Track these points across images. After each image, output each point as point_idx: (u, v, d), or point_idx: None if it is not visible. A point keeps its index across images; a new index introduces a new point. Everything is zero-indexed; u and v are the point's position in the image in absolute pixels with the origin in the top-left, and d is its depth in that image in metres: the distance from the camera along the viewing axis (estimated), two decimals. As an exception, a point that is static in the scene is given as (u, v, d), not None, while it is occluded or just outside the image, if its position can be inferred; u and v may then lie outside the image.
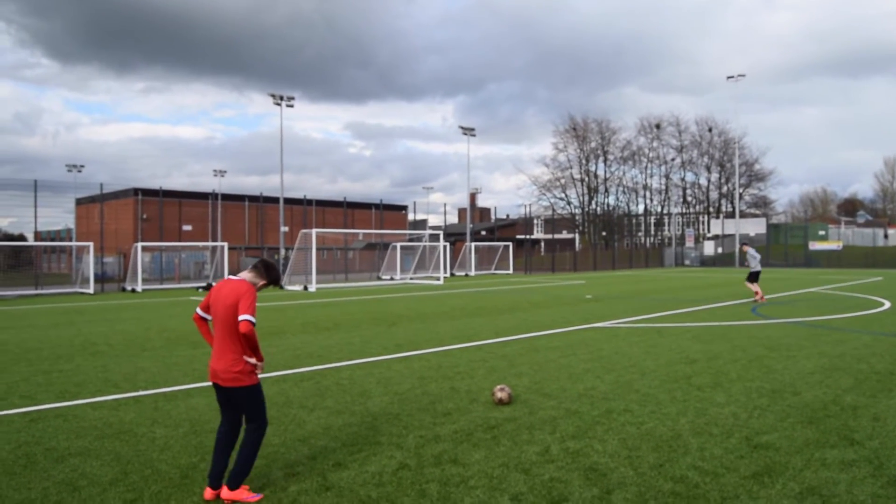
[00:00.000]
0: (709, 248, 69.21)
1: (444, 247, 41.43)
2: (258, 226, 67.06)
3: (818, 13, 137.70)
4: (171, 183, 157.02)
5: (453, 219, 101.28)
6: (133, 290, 31.51)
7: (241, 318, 4.43)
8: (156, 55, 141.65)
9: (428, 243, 45.87)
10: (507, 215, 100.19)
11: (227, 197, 66.68)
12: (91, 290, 31.04)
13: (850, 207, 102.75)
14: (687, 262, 66.58)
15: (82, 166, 58.51)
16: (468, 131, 55.87)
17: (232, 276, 4.71)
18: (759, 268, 20.21)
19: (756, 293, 20.02)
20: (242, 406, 4.66)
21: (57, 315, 19.17)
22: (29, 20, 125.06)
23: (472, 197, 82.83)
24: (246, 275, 4.75)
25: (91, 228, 55.68)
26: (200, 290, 32.06)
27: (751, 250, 20.61)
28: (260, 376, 4.76)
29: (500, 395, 7.00)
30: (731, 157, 79.52)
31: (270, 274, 4.78)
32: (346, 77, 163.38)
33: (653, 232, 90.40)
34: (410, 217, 76.38)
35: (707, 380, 8.12)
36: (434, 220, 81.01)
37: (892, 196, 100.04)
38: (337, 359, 10.05)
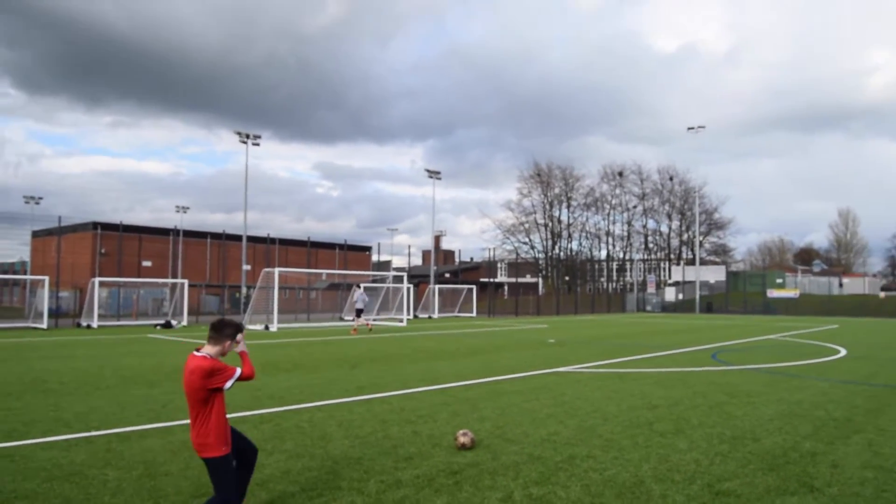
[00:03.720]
0: (670, 294, 70.19)
1: (408, 288, 41.33)
2: (220, 263, 66.26)
3: (777, 72, 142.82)
4: (134, 218, 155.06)
5: (417, 261, 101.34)
6: (88, 326, 30.77)
7: (228, 385, 4.56)
8: (127, 90, 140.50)
9: (392, 285, 45.74)
10: (472, 258, 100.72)
11: (189, 233, 65.90)
12: (45, 325, 30.24)
13: (807, 256, 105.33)
14: (648, 307, 67.31)
15: (40, 198, 57.61)
16: (434, 174, 56.29)
17: (197, 353, 4.63)
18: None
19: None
20: (211, 476, 4.60)
21: (7, 350, 18.59)
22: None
23: (437, 239, 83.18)
24: (209, 349, 4.65)
25: (47, 262, 54.42)
26: (158, 327, 31.43)
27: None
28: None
29: (462, 439, 6.93)
30: (692, 205, 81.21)
31: (226, 331, 4.69)
32: (317, 118, 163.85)
33: (615, 277, 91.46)
34: (375, 258, 76.19)
35: (669, 426, 8.15)
36: (398, 261, 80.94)
37: (845, 246, 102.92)
38: (297, 401, 9.89)
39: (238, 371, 4.60)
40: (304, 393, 10.67)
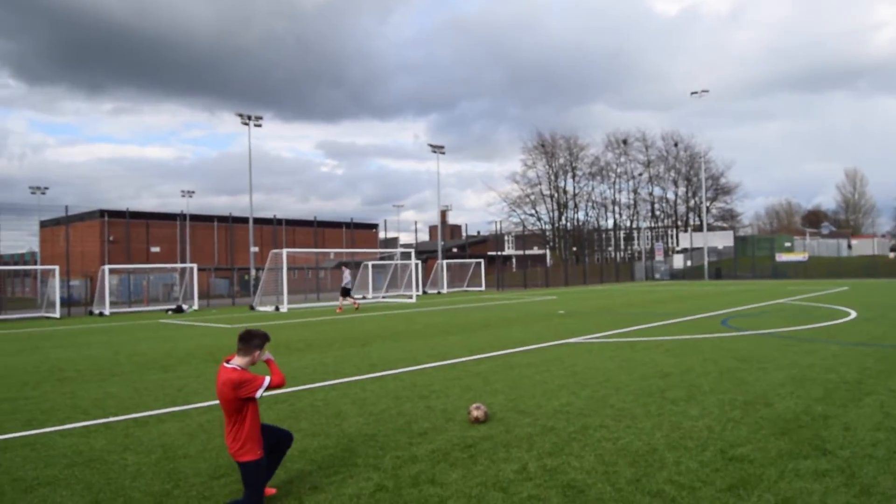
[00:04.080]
0: (678, 262, 70.10)
1: (416, 265, 41.40)
2: (228, 246, 66.39)
3: (780, 31, 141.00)
4: (140, 204, 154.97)
5: (424, 236, 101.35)
6: (101, 314, 30.98)
7: (259, 394, 4.77)
8: (127, 76, 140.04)
9: (399, 261, 45.81)
10: (479, 232, 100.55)
11: (195, 217, 66.01)
12: (57, 315, 30.47)
13: (815, 219, 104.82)
14: (657, 275, 67.30)
15: (46, 188, 57.79)
16: (437, 149, 56.06)
17: (227, 364, 4.85)
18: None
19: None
20: (243, 478, 4.79)
21: (22, 340, 18.77)
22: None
23: (443, 214, 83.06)
24: (238, 361, 4.86)
25: (56, 251, 54.72)
26: (169, 312, 31.63)
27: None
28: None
29: (475, 413, 6.99)
30: (698, 171, 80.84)
31: (254, 342, 4.91)
32: (319, 96, 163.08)
33: (622, 246, 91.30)
34: (381, 235, 76.25)
35: (681, 393, 8.19)
36: (405, 237, 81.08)
37: (854, 207, 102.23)
38: (311, 380, 9.97)
39: (267, 380, 4.84)
40: (318, 372, 10.75)
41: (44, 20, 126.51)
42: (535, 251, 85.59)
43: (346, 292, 29.87)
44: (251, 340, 4.88)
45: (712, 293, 34.12)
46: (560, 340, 14.22)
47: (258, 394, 4.74)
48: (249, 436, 4.77)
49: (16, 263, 65.09)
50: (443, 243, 59.43)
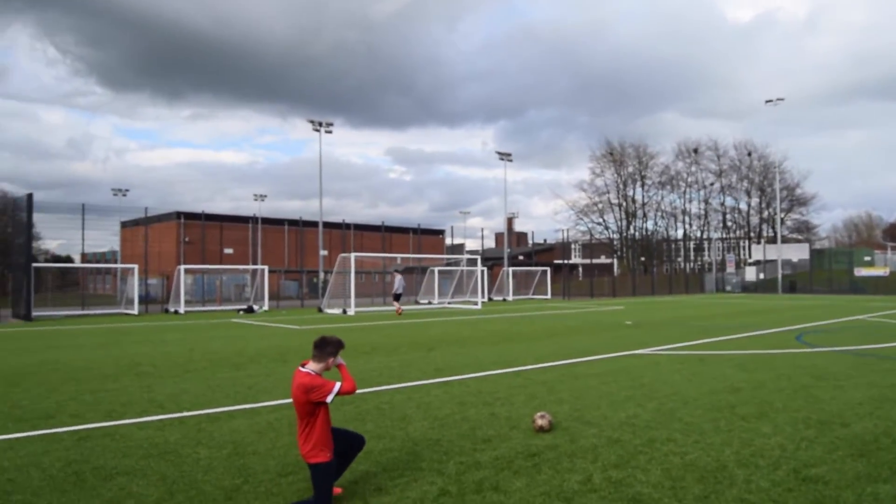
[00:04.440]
0: (750, 274, 68.00)
1: (482, 271, 41.38)
2: (298, 249, 67.74)
3: (861, 36, 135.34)
4: (214, 207, 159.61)
5: (490, 243, 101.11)
6: (176, 312, 32.02)
7: (330, 399, 4.87)
8: (205, 83, 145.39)
9: (465, 268, 45.87)
10: (545, 240, 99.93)
11: (267, 221, 67.65)
12: (135, 311, 31.64)
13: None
14: (728, 287, 65.49)
15: (127, 190, 60.12)
16: (505, 156, 56.00)
17: (302, 368, 5.00)
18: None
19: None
20: (312, 479, 4.90)
21: (103, 335, 19.57)
22: (85, 51, 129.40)
23: (510, 221, 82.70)
24: (312, 366, 5.01)
25: (135, 251, 56.84)
26: (241, 312, 32.45)
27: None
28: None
29: (540, 422, 6.94)
30: (772, 181, 78.22)
31: (328, 349, 5.05)
32: (388, 104, 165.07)
33: (692, 257, 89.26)
34: (448, 241, 76.49)
35: (752, 409, 7.96)
36: (471, 244, 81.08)
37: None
38: (377, 383, 10.08)
39: (337, 386, 4.94)
40: (384, 375, 10.86)
41: (130, 31, 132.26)
42: (603, 260, 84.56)
43: (397, 297, 30.80)
44: (325, 347, 5.02)
45: (786, 307, 33.01)
46: (627, 351, 14.00)
47: (329, 398, 4.85)
48: (320, 438, 4.89)
49: (98, 262, 67.89)
50: (509, 250, 59.25)
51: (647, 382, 9.92)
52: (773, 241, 73.39)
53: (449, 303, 41.13)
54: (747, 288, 65.11)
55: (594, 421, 7.42)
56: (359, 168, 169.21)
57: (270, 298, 37.75)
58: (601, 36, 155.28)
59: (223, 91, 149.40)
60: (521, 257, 75.45)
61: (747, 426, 7.13)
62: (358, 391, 9.28)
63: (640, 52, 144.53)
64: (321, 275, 47.26)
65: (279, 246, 68.88)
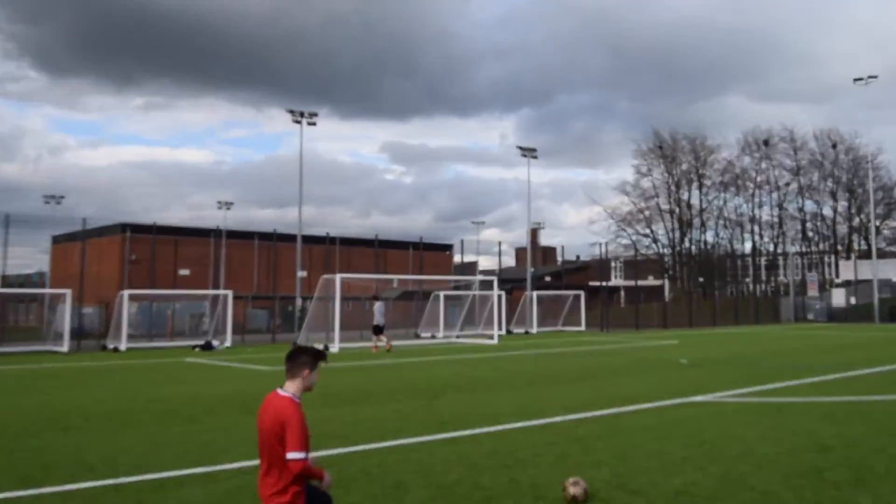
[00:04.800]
0: (838, 298, 67.70)
1: (499, 296, 41.34)
2: (270, 270, 67.90)
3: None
4: (169, 217, 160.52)
5: (510, 261, 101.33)
6: (115, 349, 32.00)
7: (288, 457, 4.56)
8: (161, 66, 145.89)
9: (479, 292, 45.82)
10: (578, 256, 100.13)
11: (233, 234, 67.95)
12: (65, 348, 31.62)
13: None
14: (810, 315, 65.27)
15: (62, 197, 60.64)
16: (528, 152, 56.24)
17: (279, 390, 4.81)
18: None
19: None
20: None
21: (24, 379, 19.52)
22: (17, 27, 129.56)
23: (534, 233, 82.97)
24: (289, 387, 4.82)
25: (69, 272, 57.06)
26: (197, 348, 32.43)
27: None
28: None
29: (573, 490, 6.82)
30: (863, 180, 78.08)
31: (301, 359, 4.83)
32: (386, 89, 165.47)
33: (764, 277, 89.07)
34: (457, 259, 76.69)
35: (845, 475, 7.82)
36: (486, 262, 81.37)
37: None
38: (365, 440, 9.97)
39: (304, 458, 4.56)
40: (374, 430, 10.75)
41: (71, 2, 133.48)
42: (651, 282, 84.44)
43: (378, 330, 30.45)
44: (297, 358, 4.83)
45: (885, 341, 32.80)
46: (683, 398, 13.89)
47: (295, 455, 4.55)
48: (291, 486, 4.65)
49: (21, 285, 68.14)
50: (533, 270, 59.32)
51: (708, 439, 9.81)
52: (866, 255, 73.16)
53: (458, 337, 41.07)
54: (835, 316, 64.83)
55: (641, 489, 7.30)
56: (348, 168, 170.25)
57: (235, 332, 37.74)
58: (647, 5, 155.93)
59: (184, 75, 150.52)
60: (548, 278, 75.47)
61: (840, 496, 7.00)
62: (341, 449, 9.19)
63: (696, 23, 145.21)
64: (298, 301, 47.32)
65: (247, 266, 69.13)
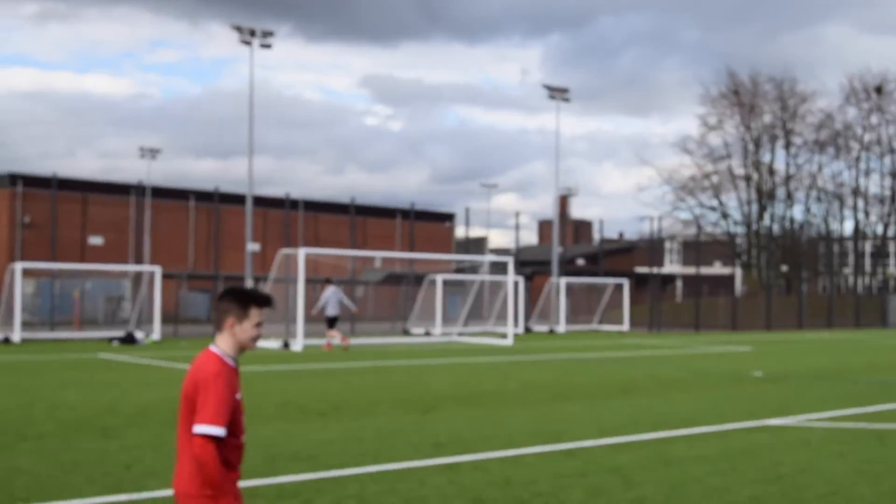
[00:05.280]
0: (965, 297, 67.86)
1: (516, 283, 41.32)
2: (211, 240, 67.82)
3: None
4: (73, 167, 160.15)
5: (531, 237, 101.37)
6: (6, 340, 32.05)
7: (194, 428, 4.21)
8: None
9: (489, 277, 45.85)
10: (622, 234, 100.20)
11: (161, 192, 67.61)
12: (-61, 339, 31.67)
13: None
14: (927, 319, 65.32)
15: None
16: (558, 94, 55.95)
17: (210, 346, 4.50)
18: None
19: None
20: None
21: None
22: None
23: (564, 202, 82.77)
24: (219, 342, 4.48)
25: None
26: (115, 342, 32.48)
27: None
28: None
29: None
30: None
31: (223, 304, 4.44)
32: (367, 2, 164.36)
33: (869, 268, 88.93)
34: (460, 233, 76.56)
35: (964, 522, 7.94)
36: (499, 238, 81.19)
37: None
38: (338, 463, 10.06)
39: (218, 434, 4.17)
40: (349, 451, 10.85)
41: None
42: (717, 270, 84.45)
43: (332, 323, 30.69)
44: (220, 303, 4.51)
45: None
46: (755, 421, 13.95)
47: (206, 429, 4.15)
48: (215, 476, 4.23)
49: None
50: (561, 250, 59.25)
51: (787, 474, 9.89)
52: None
53: (460, 335, 41.16)
54: (960, 320, 64.94)
55: (699, 535, 7.40)
56: (316, 108, 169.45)
57: (165, 321, 37.77)
58: None
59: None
60: (581, 261, 75.52)
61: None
62: (307, 475, 9.30)
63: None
64: (249, 282, 47.34)
65: (180, 235, 69.07)
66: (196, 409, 4.21)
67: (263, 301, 4.54)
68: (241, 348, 4.49)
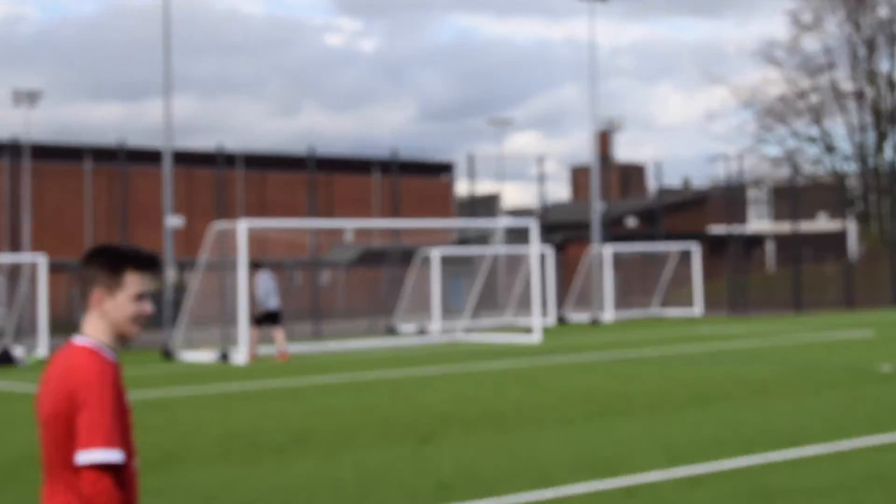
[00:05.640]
0: None
1: (543, 256, 41.35)
2: (117, 214, 67.97)
3: None
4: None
5: (562, 191, 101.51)
6: None
7: (81, 458, 3.96)
8: None
9: (503, 249, 45.91)
10: (687, 181, 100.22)
11: (45, 151, 67.71)
12: None
13: None
14: None
15: None
16: (593, -11, 55.93)
17: (74, 338, 4.23)
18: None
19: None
20: None
21: None
22: None
23: (605, 140, 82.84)
24: (87, 329, 4.22)
25: None
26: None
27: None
28: None
29: None
30: None
31: (90, 270, 4.16)
32: None
33: None
34: (462, 189, 76.68)
35: None
36: (517, 194, 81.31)
37: None
38: (303, 518, 10.09)
39: (116, 462, 4.18)
40: (322, 496, 10.90)
41: None
42: (822, 225, 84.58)
43: (272, 318, 30.64)
44: (84, 270, 4.24)
45: None
46: (884, 435, 13.98)
47: (98, 455, 4.14)
48: None
49: None
50: (604, 206, 59.29)
51: (934, 506, 9.90)
52: None
53: (467, 331, 41.22)
54: None
55: None
56: (258, 25, 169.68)
57: (54, 330, 37.73)
58: None
59: None
60: (631, 222, 75.67)
61: None
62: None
63: None
64: (170, 273, 47.41)
65: (74, 207, 69.14)
66: (77, 429, 3.93)
67: (145, 262, 4.25)
68: (119, 335, 4.24)
